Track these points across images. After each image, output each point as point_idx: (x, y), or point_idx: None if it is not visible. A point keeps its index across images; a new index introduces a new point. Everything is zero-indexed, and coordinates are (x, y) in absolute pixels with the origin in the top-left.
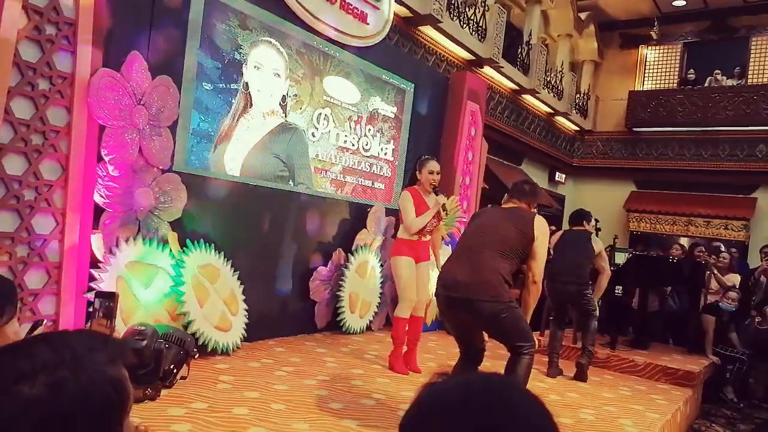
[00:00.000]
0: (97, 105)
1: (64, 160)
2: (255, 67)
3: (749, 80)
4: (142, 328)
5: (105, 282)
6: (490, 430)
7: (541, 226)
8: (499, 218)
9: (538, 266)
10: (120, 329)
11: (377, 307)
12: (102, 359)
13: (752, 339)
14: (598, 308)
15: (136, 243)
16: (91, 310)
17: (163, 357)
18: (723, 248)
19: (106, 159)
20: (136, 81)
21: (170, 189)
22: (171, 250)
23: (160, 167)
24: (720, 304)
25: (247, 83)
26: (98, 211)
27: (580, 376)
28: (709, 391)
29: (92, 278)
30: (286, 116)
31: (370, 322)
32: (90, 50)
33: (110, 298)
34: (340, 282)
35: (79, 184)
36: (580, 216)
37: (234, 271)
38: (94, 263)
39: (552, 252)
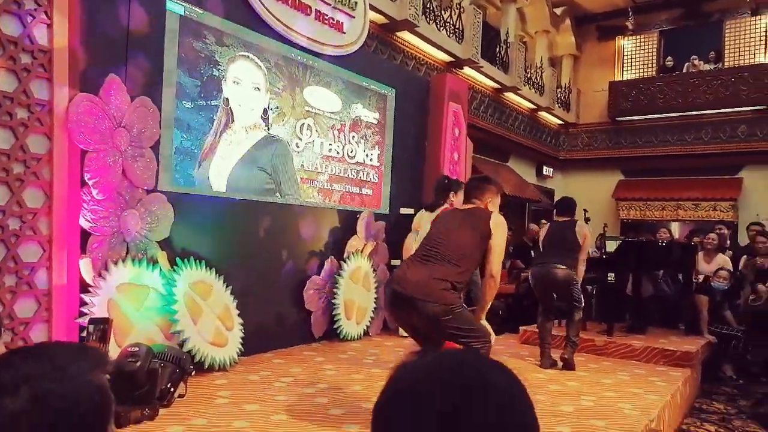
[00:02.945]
0: (77, 130)
1: (47, 187)
2: (234, 82)
3: (725, 63)
4: (136, 348)
5: (96, 306)
6: (460, 409)
7: (498, 223)
8: (455, 222)
9: (496, 261)
10: (114, 352)
11: (373, 312)
12: (84, 367)
13: (746, 315)
14: (583, 300)
15: (126, 265)
16: (84, 335)
17: (158, 376)
18: (722, 229)
19: (90, 183)
20: (115, 104)
21: (156, 209)
22: (161, 270)
23: (145, 188)
24: (712, 283)
25: (227, 99)
26: (85, 235)
27: (568, 367)
28: (708, 370)
29: (83, 303)
30: (268, 129)
31: (367, 327)
32: (66, 76)
33: (104, 323)
34: (335, 290)
35: (63, 210)
36: (566, 206)
37: (227, 287)
38: (84, 288)
39: (541, 247)
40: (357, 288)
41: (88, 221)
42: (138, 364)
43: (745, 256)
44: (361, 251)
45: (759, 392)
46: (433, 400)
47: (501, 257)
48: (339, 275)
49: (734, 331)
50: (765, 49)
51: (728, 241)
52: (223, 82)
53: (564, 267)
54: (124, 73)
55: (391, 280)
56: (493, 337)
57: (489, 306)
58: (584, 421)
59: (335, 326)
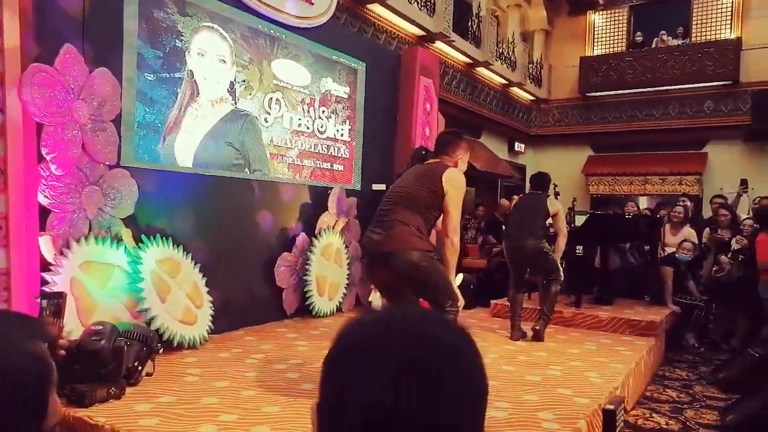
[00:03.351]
0: (32, 102)
1: (1, 162)
2: (198, 54)
3: (693, 39)
4: (100, 327)
5: (58, 285)
6: (411, 364)
7: (451, 179)
8: (412, 177)
9: (451, 221)
10: (78, 331)
11: (346, 288)
12: (18, 336)
13: (709, 286)
14: (561, 271)
15: (89, 243)
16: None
17: (124, 355)
18: (684, 201)
19: (48, 158)
20: (72, 75)
21: (119, 185)
22: (126, 247)
23: (107, 163)
24: (676, 255)
25: (191, 71)
26: (45, 212)
27: (537, 338)
28: (671, 339)
29: (45, 282)
30: (236, 103)
31: (340, 303)
32: (18, 44)
33: (58, 297)
34: (306, 266)
35: (20, 186)
36: (541, 181)
37: (195, 264)
38: (45, 266)
39: (511, 212)
40: (329, 264)
41: (47, 198)
42: (102, 342)
43: (707, 229)
44: (333, 227)
45: (718, 359)
46: (391, 351)
47: (457, 216)
48: (310, 252)
49: (697, 301)
50: (731, 24)
51: (689, 213)
52: (186, 54)
53: (531, 239)
54: (81, 44)
55: (362, 247)
56: (461, 302)
57: (454, 268)
58: (551, 390)
59: (307, 303)
